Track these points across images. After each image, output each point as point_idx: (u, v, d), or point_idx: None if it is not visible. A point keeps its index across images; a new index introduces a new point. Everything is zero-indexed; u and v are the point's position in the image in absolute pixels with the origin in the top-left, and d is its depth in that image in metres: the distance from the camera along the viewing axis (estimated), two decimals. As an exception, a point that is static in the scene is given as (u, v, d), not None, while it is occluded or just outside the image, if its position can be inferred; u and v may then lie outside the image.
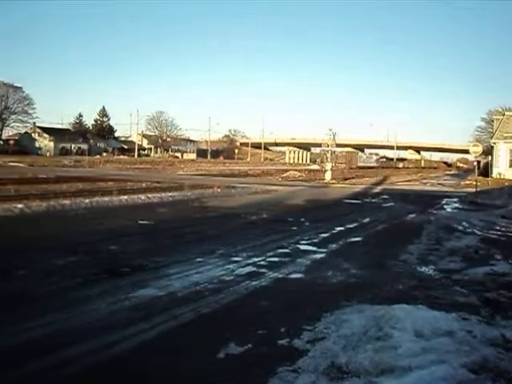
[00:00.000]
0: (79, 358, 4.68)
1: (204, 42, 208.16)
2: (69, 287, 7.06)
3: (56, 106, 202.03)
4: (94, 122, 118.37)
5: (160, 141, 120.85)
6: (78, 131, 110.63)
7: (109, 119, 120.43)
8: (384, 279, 8.23)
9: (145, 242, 10.83)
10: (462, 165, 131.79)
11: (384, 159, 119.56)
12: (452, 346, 5.06)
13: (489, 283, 8.09)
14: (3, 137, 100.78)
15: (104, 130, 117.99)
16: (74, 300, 6.44)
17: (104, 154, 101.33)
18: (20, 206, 15.13)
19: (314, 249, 10.89)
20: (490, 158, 54.43)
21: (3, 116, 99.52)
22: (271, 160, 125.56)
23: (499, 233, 14.54)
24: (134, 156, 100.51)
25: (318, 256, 10.17)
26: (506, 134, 50.68)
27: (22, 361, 4.57)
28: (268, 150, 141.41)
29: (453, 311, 6.28)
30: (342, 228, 14.38)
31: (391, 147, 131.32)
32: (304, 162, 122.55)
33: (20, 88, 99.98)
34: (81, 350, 4.85)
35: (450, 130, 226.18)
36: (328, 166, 44.71)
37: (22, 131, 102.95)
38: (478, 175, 36.76)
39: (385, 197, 26.84)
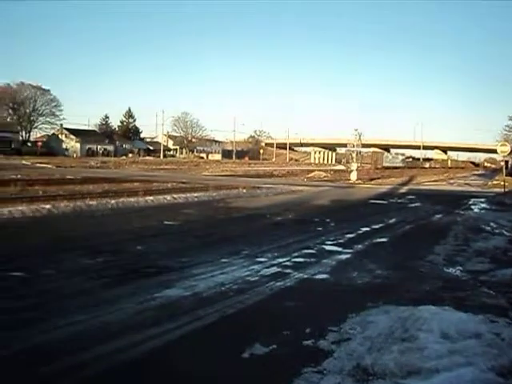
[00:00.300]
0: (105, 357, 4.72)
1: (229, 42, 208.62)
2: (95, 287, 7.13)
3: (83, 108, 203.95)
4: (119, 124, 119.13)
5: (185, 142, 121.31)
6: (104, 132, 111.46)
7: (134, 120, 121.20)
8: (410, 280, 8.18)
9: (170, 243, 10.90)
10: (489, 165, 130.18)
11: (410, 159, 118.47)
12: (479, 349, 5.00)
13: (518, 285, 7.97)
14: (31, 138, 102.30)
15: (130, 131, 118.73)
16: (101, 299, 6.50)
17: (130, 154, 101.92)
18: (48, 206, 15.32)
19: (340, 249, 10.84)
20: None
21: (31, 118, 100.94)
22: (296, 160, 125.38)
23: (529, 234, 14.32)
24: (159, 157, 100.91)
25: (344, 257, 10.12)
26: (534, 133, 49.91)
27: (48, 359, 4.63)
28: (293, 150, 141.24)
29: (480, 313, 6.21)
30: (367, 228, 14.30)
31: (417, 147, 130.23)
32: (329, 162, 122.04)
33: (48, 90, 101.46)
34: (107, 349, 4.90)
35: (477, 129, 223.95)
36: (353, 166, 44.56)
37: (50, 133, 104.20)
38: (506, 175, 36.28)
39: (411, 197, 26.62)
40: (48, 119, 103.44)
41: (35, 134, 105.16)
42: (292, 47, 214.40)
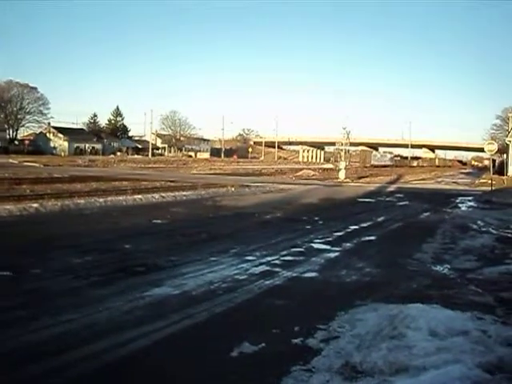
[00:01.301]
0: (94, 357, 4.71)
1: (217, 42, 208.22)
2: (84, 286, 7.11)
3: (71, 106, 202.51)
4: (107, 122, 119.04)
5: (174, 140, 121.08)
6: (92, 131, 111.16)
7: (123, 119, 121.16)
8: (398, 278, 8.21)
9: (159, 241, 10.87)
10: (476, 163, 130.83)
11: (398, 158, 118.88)
12: (467, 346, 5.04)
13: (504, 283, 8.04)
14: (19, 137, 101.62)
15: (118, 130, 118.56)
16: (90, 298, 6.48)
17: (118, 153, 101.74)
18: (35, 205, 15.24)
19: (328, 247, 10.88)
20: (505, 156, 54.03)
21: (18, 116, 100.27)
22: (285, 159, 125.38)
23: (515, 232, 14.43)
24: (147, 155, 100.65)
25: (333, 255, 10.16)
26: (521, 132, 50.20)
27: (37, 359, 4.62)
28: (282, 148, 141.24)
29: (468, 310, 6.25)
30: (356, 227, 14.35)
31: (405, 146, 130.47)
32: (318, 160, 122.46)
33: (35, 88, 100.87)
34: (96, 348, 4.89)
35: (465, 128, 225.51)
36: (342, 164, 44.56)
37: (37, 131, 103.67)
38: (493, 174, 36.52)
39: (399, 195, 26.74)
40: (35, 117, 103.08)
41: (22, 133, 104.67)
42: (280, 46, 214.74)
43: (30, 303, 6.27)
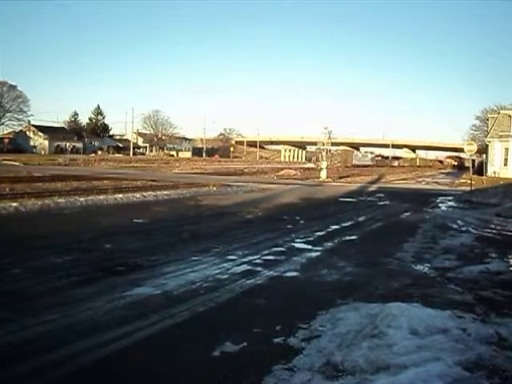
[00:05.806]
0: (74, 357, 4.67)
1: (199, 41, 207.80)
2: (65, 286, 7.05)
3: (51, 105, 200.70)
4: (88, 121, 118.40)
5: (155, 139, 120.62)
6: (73, 130, 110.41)
7: (104, 117, 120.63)
8: (379, 277, 8.25)
9: (140, 241, 10.81)
10: (456, 163, 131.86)
11: (379, 158, 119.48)
12: (447, 344, 5.08)
13: (483, 281, 8.12)
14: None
15: (99, 129, 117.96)
16: (70, 298, 6.43)
17: (99, 152, 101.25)
18: (15, 204, 15.10)
19: (310, 247, 10.90)
20: (484, 156, 54.58)
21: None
22: (266, 158, 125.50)
23: (494, 231, 14.61)
24: (129, 154, 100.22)
25: (314, 254, 10.17)
26: (500, 133, 50.70)
27: (16, 360, 4.57)
28: (263, 148, 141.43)
29: (447, 309, 6.31)
30: (337, 226, 14.39)
31: (386, 146, 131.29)
32: (299, 160, 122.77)
33: (15, 86, 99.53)
34: (76, 348, 4.85)
35: (446, 128, 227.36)
36: (323, 164, 44.66)
37: (17, 129, 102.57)
38: (473, 174, 36.80)
39: (380, 195, 26.87)
40: (15, 115, 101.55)
41: (2, 131, 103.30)
42: (261, 46, 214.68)
43: (10, 304, 6.20)
